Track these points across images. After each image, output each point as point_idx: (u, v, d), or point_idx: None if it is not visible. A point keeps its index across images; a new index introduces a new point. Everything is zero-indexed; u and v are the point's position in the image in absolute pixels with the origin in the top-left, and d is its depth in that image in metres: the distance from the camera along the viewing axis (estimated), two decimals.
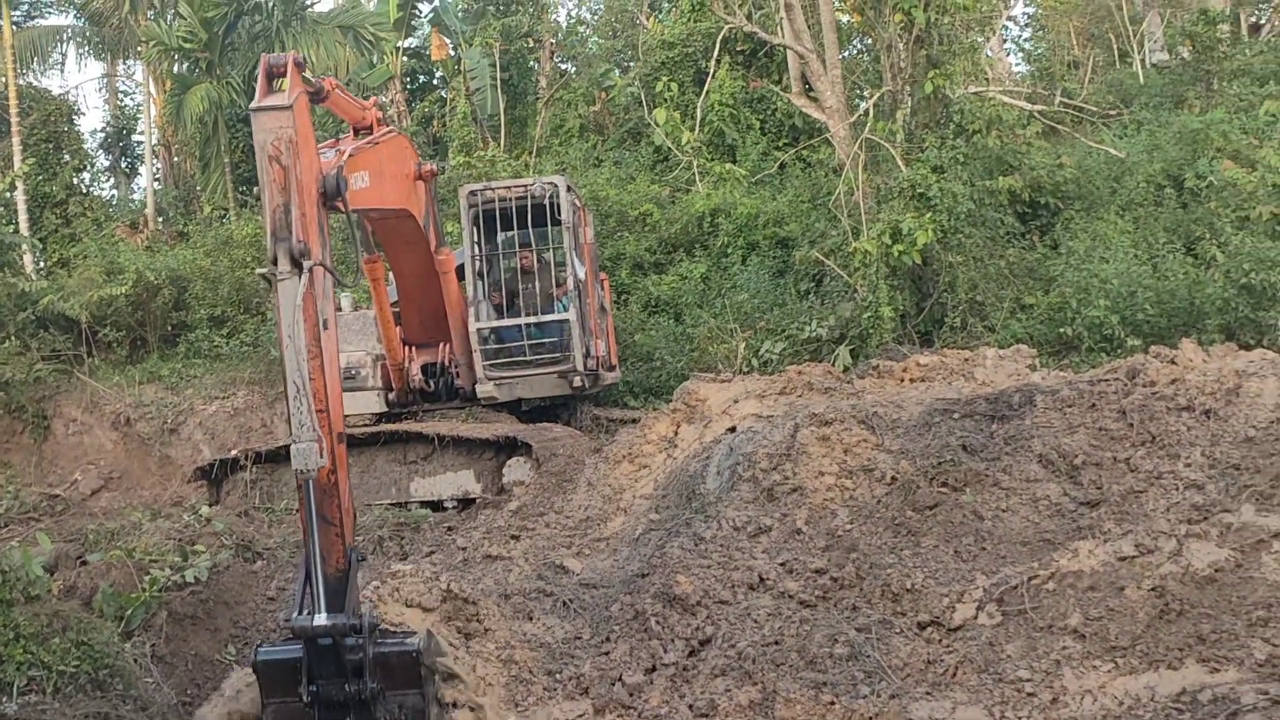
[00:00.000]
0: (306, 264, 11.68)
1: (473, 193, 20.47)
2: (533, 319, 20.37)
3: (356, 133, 15.70)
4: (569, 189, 20.73)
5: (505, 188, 20.89)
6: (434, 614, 14.96)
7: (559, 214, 20.49)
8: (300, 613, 11.76)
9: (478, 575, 15.51)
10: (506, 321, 20.45)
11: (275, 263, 11.68)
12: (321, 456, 11.70)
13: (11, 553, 13.85)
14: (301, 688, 12.09)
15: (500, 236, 20.80)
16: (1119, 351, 19.20)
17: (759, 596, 14.34)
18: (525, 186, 20.90)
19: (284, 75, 12.02)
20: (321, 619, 11.79)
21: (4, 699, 12.26)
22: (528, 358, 20.12)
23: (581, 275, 20.91)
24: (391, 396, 20.31)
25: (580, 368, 20.21)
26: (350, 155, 13.27)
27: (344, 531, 12.17)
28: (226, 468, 20.61)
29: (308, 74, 12.26)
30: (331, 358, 11.90)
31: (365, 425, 19.83)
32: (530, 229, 20.57)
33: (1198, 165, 23.27)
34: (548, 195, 20.65)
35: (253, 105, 11.82)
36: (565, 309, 20.54)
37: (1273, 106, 23.84)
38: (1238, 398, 14.37)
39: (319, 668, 12.19)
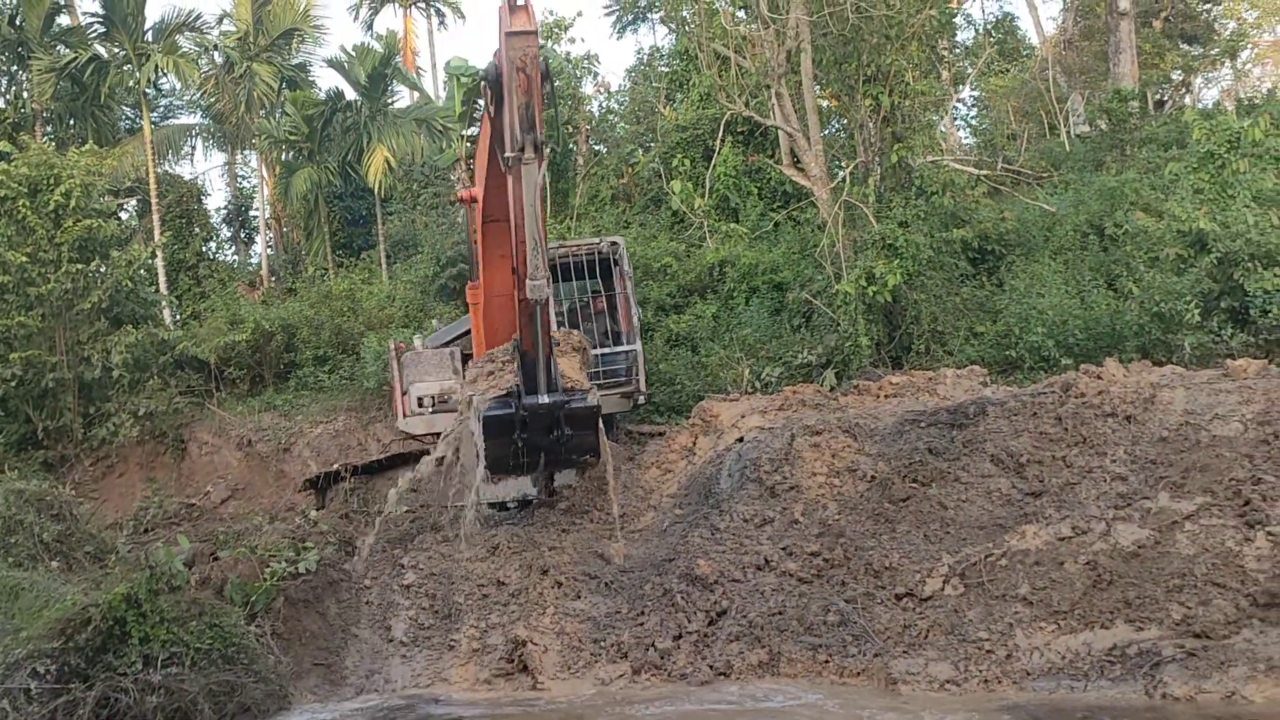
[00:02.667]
0: (545, 150, 13.53)
1: (551, 248, 19.91)
2: (607, 350, 20.46)
3: None
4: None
5: (576, 245, 21.10)
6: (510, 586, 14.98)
7: (623, 266, 20.72)
8: (530, 393, 15.31)
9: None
10: (599, 351, 20.40)
11: (523, 150, 13.45)
12: (548, 289, 14.26)
13: (157, 551, 13.95)
14: (515, 435, 15.53)
15: (574, 284, 20.85)
16: (1055, 369, 19.11)
17: (765, 575, 14.32)
18: (594, 244, 21.11)
19: (524, 9, 13.34)
20: (545, 398, 15.42)
21: (151, 671, 12.30)
22: (601, 381, 19.91)
23: (641, 315, 21.13)
24: None
25: (643, 389, 20.41)
26: None
27: (549, 336, 15.20)
28: (330, 479, 20.67)
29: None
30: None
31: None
32: (599, 278, 20.71)
33: (1115, 216, 23.18)
34: (612, 251, 20.99)
35: (506, 30, 13.26)
36: (633, 341, 20.72)
37: (1175, 167, 23.71)
38: (1153, 405, 14.31)
39: (533, 423, 15.52)
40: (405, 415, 19.27)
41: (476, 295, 18.53)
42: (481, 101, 42.07)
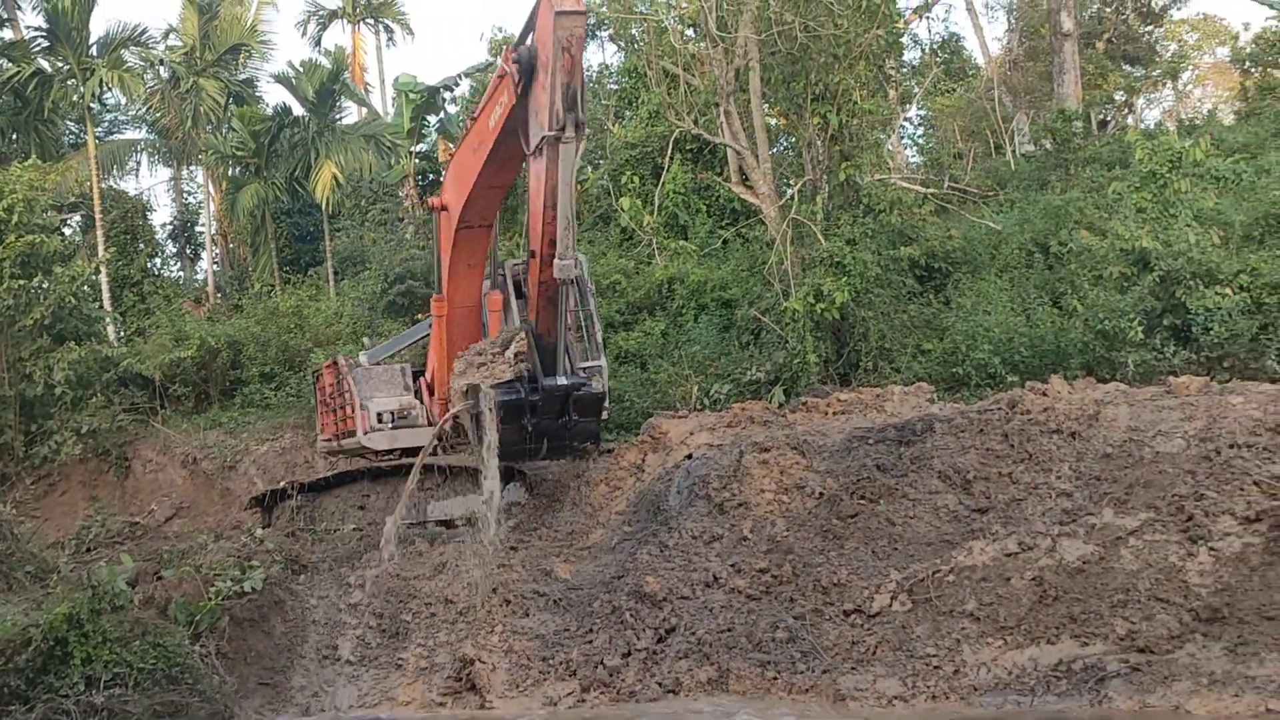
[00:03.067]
0: (585, 131, 14.26)
1: (515, 264, 19.72)
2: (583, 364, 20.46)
3: None
4: None
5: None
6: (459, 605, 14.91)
7: (586, 282, 20.54)
8: (549, 375, 16.19)
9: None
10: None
11: (563, 129, 14.06)
12: (577, 268, 14.97)
13: (100, 570, 13.77)
14: (525, 419, 16.17)
15: None
16: (1001, 386, 19.23)
17: (713, 592, 14.33)
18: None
19: None
20: (563, 380, 16.35)
21: (94, 692, 12.15)
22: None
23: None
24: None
25: (607, 404, 20.28)
26: None
27: (566, 317, 16.03)
28: (276, 497, 20.48)
29: None
30: None
31: (393, 459, 19.66)
32: None
33: (1060, 235, 23.39)
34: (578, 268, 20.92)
35: (557, 9, 13.76)
36: (599, 357, 20.63)
37: (1118, 187, 23.96)
38: (1097, 422, 14.43)
39: (545, 407, 16.28)
40: (366, 431, 18.93)
41: (441, 307, 18.40)
42: (430, 118, 42.10)
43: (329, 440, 20.37)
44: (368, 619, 14.98)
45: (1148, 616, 11.99)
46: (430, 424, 19.09)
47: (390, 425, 18.88)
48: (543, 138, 14.37)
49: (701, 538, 15.16)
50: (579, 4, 14.09)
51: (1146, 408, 14.50)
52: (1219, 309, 19.24)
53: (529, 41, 14.78)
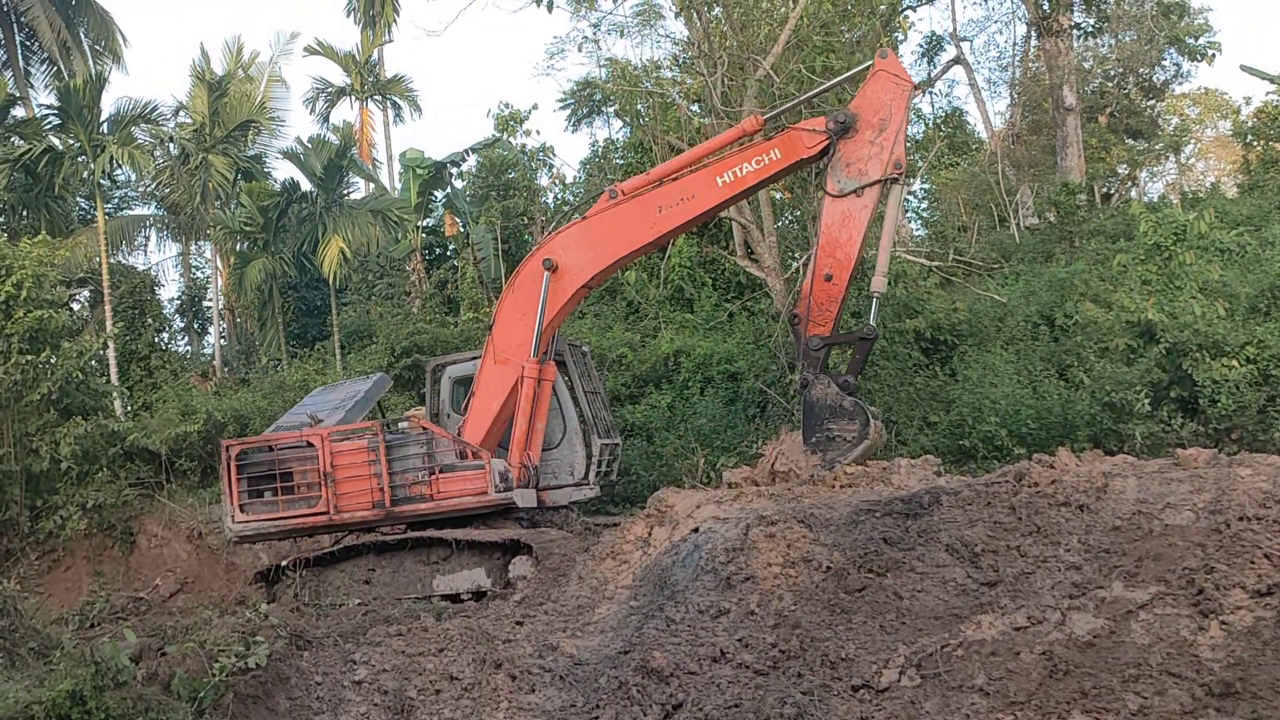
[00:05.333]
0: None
1: (570, 344, 21.18)
2: (609, 440, 20.88)
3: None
4: None
5: (574, 342, 21.58)
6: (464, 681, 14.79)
7: (591, 363, 21.68)
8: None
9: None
10: (609, 440, 20.86)
11: (901, 170, 17.66)
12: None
13: (103, 646, 13.67)
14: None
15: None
16: (1008, 458, 19.21)
17: (721, 667, 14.20)
18: (577, 342, 21.56)
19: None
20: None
21: None
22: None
23: None
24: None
25: (614, 477, 21.29)
26: None
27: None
28: (281, 571, 20.38)
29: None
30: None
31: (397, 534, 19.60)
32: (577, 374, 20.88)
33: (1065, 307, 23.47)
34: (588, 351, 21.57)
35: (893, 74, 17.81)
36: (615, 436, 21.38)
37: (1123, 259, 24.07)
38: (1106, 494, 14.36)
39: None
40: (496, 492, 18.96)
41: (535, 369, 19.10)
42: (437, 194, 42.32)
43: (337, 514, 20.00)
44: (372, 696, 14.85)
45: (1160, 691, 11.86)
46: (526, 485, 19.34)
47: (504, 486, 18.95)
48: (882, 179, 17.67)
49: (708, 612, 15.06)
50: (902, 70, 17.98)
51: (1155, 480, 14.45)
52: (1226, 381, 19.25)
53: (848, 108, 18.16)
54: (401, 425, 20.25)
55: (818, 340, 18.11)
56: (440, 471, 19.20)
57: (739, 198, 19.55)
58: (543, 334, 18.94)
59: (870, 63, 18.42)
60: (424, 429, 19.67)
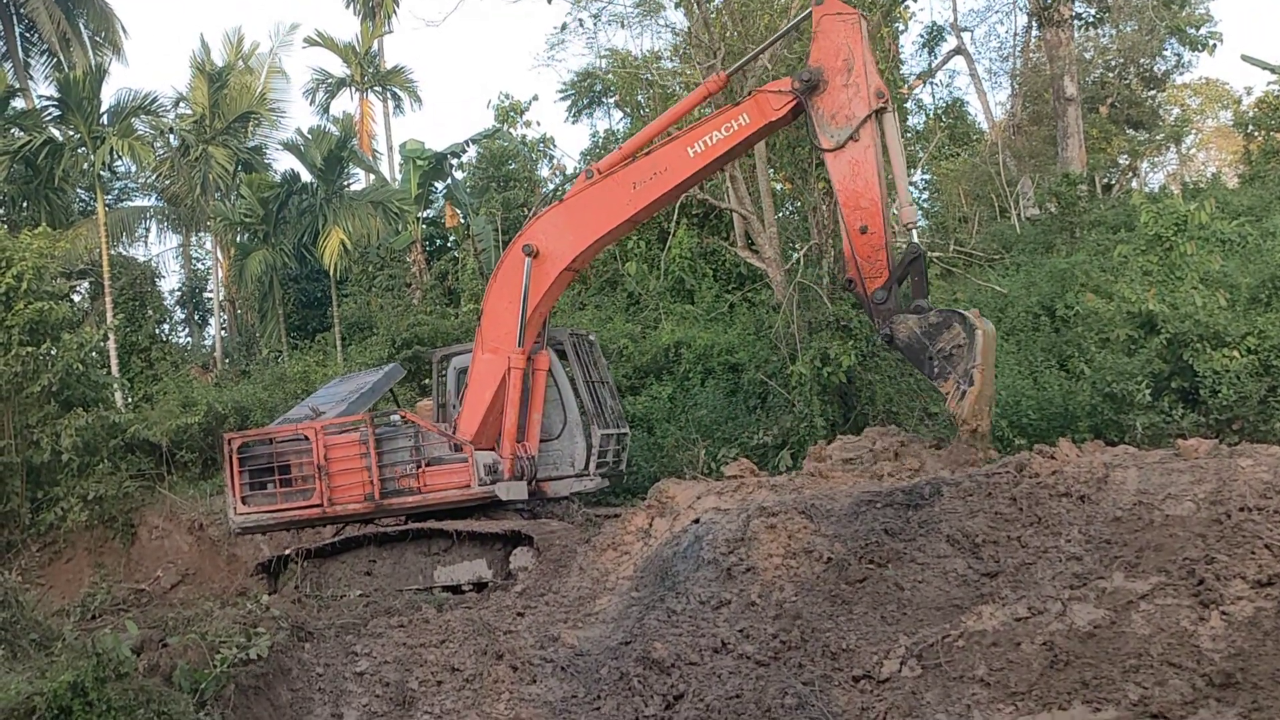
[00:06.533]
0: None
1: (570, 333, 21.18)
2: (615, 430, 20.84)
3: None
4: None
5: (577, 332, 21.58)
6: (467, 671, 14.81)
7: (599, 352, 21.65)
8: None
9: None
10: (614, 430, 20.79)
11: (884, 100, 17.06)
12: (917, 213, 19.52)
13: (104, 638, 13.67)
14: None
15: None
16: (1009, 449, 19.19)
17: (722, 658, 14.21)
18: (582, 333, 21.53)
19: None
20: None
21: None
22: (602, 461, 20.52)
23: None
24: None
25: (623, 467, 21.22)
26: None
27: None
28: (283, 563, 20.39)
29: None
30: None
31: (398, 525, 19.61)
32: (584, 363, 20.86)
33: (1066, 298, 23.44)
34: (596, 341, 21.72)
35: (827, 14, 17.42)
36: (624, 425, 21.36)
37: (1124, 249, 24.04)
38: (1106, 485, 14.37)
39: None
40: (479, 485, 18.91)
41: (520, 359, 18.97)
42: (437, 184, 42.33)
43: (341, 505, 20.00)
44: (374, 687, 14.87)
45: (1160, 682, 11.88)
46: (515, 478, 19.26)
47: (491, 479, 18.89)
48: (870, 114, 17.18)
49: (709, 603, 15.06)
50: (843, 5, 17.41)
51: (1155, 471, 14.45)
52: (1227, 371, 19.23)
53: (809, 64, 17.65)
54: (392, 418, 20.24)
55: (881, 293, 17.59)
56: (427, 465, 19.23)
57: (714, 166, 18.98)
58: (529, 322, 18.84)
59: (808, 10, 17.93)
60: (408, 421, 19.74)
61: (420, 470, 19.21)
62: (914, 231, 18.16)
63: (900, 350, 17.76)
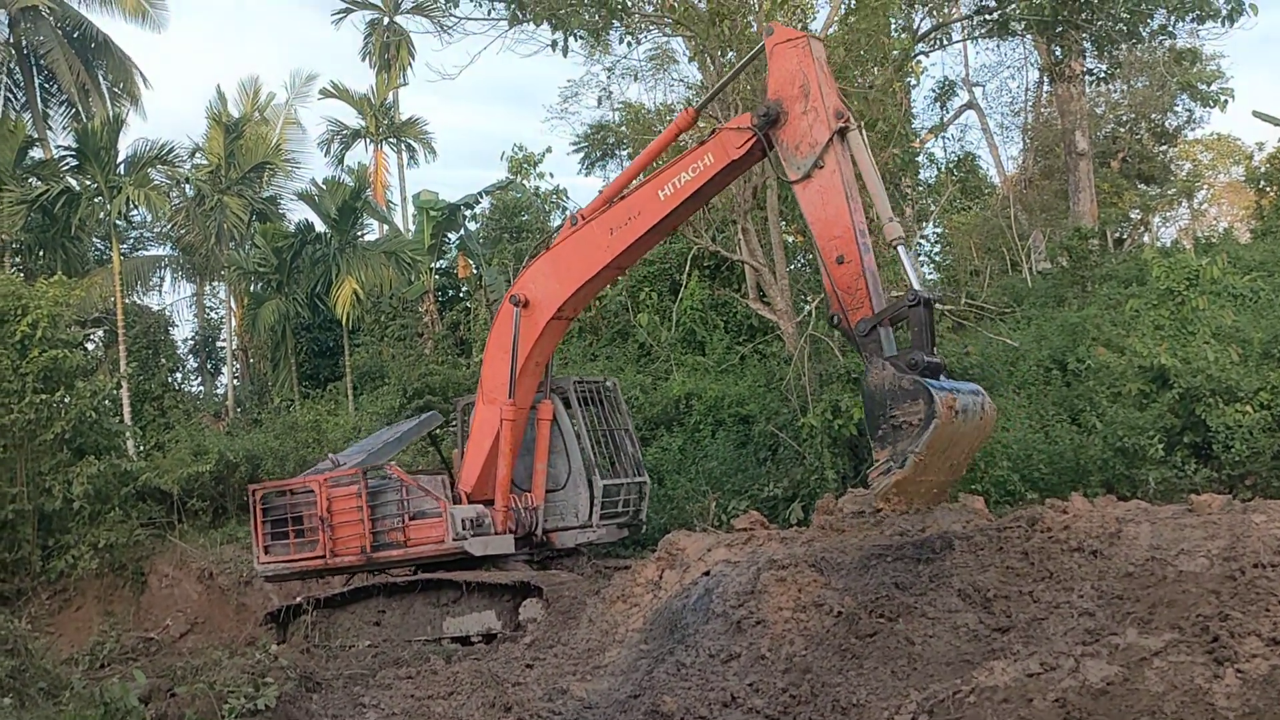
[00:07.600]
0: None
1: (578, 381, 21.16)
2: (628, 480, 20.79)
3: None
4: None
5: (589, 380, 21.67)
6: None
7: (620, 401, 21.66)
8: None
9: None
10: (622, 480, 20.72)
11: (845, 121, 16.08)
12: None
13: (112, 687, 13.65)
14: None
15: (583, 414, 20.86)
16: (1020, 503, 19.12)
17: (731, 712, 14.11)
18: (598, 381, 21.44)
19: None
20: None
21: None
22: (616, 511, 20.54)
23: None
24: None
25: (643, 517, 21.00)
26: None
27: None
28: (292, 613, 20.35)
29: None
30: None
31: (406, 575, 19.60)
32: (600, 412, 20.88)
33: (1078, 351, 23.41)
34: (615, 388, 21.77)
35: (778, 43, 16.38)
36: (643, 474, 21.32)
37: (1135, 304, 24.04)
38: (1119, 539, 14.29)
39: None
40: (453, 539, 18.84)
41: (512, 411, 18.88)
42: (450, 235, 42.49)
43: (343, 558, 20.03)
44: None
45: None
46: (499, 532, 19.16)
47: (471, 533, 18.84)
48: (831, 136, 15.93)
49: (719, 656, 14.98)
50: (792, 32, 16.67)
51: (1168, 526, 14.36)
52: (1240, 426, 19.17)
53: (767, 98, 16.78)
54: (384, 472, 20.26)
55: (864, 323, 16.31)
56: (411, 518, 19.31)
57: (687, 206, 18.24)
58: (523, 372, 18.86)
59: (761, 45, 17.19)
60: (393, 476, 19.87)
61: (406, 524, 19.28)
62: (906, 257, 17.21)
63: (862, 393, 16.97)
